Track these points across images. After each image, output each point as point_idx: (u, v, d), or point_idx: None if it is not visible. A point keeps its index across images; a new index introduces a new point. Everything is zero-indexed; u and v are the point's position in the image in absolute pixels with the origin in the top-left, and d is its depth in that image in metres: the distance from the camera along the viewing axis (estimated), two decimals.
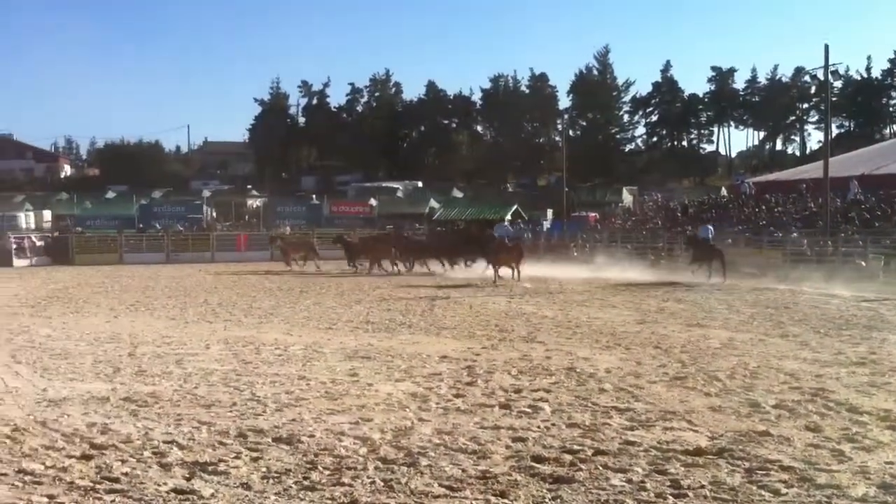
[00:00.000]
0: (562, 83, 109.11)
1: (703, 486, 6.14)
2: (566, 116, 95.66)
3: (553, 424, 8.00)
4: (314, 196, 74.74)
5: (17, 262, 43.83)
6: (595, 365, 11.37)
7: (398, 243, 36.47)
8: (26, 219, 61.20)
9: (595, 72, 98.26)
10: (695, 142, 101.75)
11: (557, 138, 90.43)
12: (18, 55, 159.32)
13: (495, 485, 6.18)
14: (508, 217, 59.98)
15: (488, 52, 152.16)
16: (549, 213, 63.43)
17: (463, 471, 6.49)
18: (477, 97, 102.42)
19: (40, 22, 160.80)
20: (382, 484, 6.19)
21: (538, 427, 7.88)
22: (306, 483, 6.22)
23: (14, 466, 6.66)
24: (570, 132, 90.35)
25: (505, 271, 28.16)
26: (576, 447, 7.14)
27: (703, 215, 45.21)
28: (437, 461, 6.74)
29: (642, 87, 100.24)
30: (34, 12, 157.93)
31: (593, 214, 59.91)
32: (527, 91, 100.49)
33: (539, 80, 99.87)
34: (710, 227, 31.29)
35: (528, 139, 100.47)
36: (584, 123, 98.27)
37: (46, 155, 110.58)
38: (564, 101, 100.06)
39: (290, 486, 6.15)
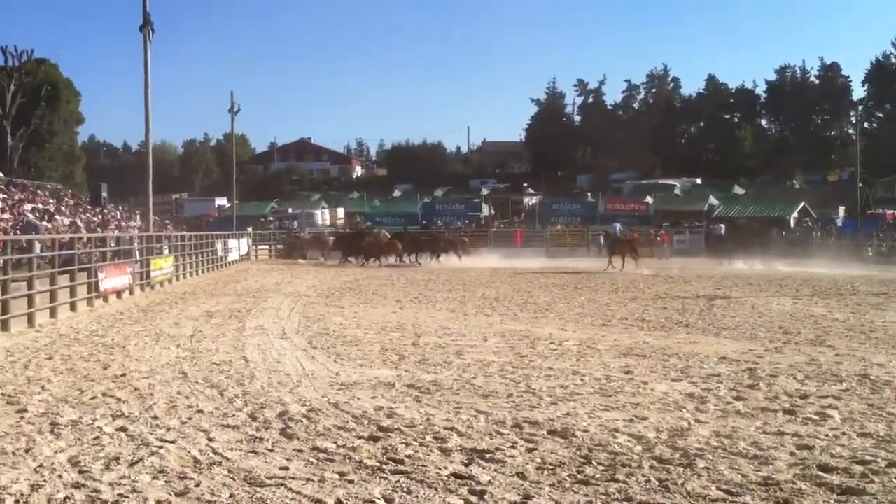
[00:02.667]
0: (855, 73, 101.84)
1: None
2: (860, 108, 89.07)
3: (843, 433, 7.49)
4: (589, 194, 74.67)
5: (310, 254, 47.70)
6: (892, 372, 10.52)
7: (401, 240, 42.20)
8: (322, 216, 65.89)
9: (894, 59, 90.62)
10: None
11: (850, 131, 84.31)
12: (315, 66, 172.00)
13: (778, 492, 5.89)
14: (795, 214, 57.03)
15: (773, 42, 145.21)
16: (841, 210, 59.39)
17: (743, 476, 6.24)
18: (761, 90, 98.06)
19: (336, 35, 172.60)
20: (657, 483, 6.08)
21: (826, 435, 7.43)
22: (580, 477, 6.24)
23: (309, 444, 7.19)
24: (865, 124, 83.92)
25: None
26: (868, 458, 6.65)
27: None
28: (716, 464, 6.53)
29: None
30: (331, 28, 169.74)
31: (892, 212, 55.48)
32: (816, 82, 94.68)
33: (830, 70, 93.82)
34: (723, 226, 43.66)
35: (817, 133, 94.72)
36: (881, 115, 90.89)
37: (340, 157, 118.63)
38: (858, 92, 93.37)
39: (565, 479, 6.19)
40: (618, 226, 39.00)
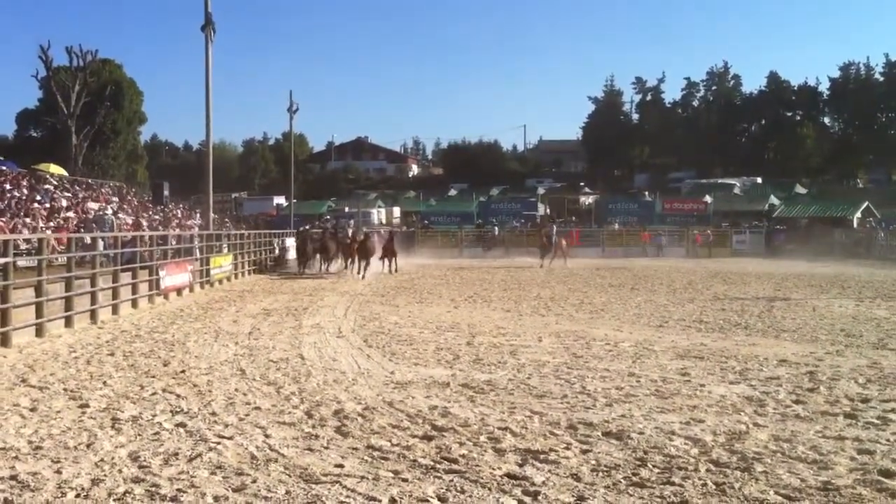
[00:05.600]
0: None
1: None
2: None
3: None
4: (646, 193, 74.00)
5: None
6: None
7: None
8: (378, 214, 66.23)
9: None
10: None
11: None
12: (372, 65, 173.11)
13: (837, 497, 5.79)
14: (858, 215, 55.90)
15: (837, 39, 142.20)
16: None
17: (801, 480, 6.15)
18: (824, 87, 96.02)
19: (392, 34, 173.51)
20: (714, 487, 6.02)
21: (887, 440, 7.28)
22: (635, 479, 6.20)
23: (364, 442, 7.25)
24: None
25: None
26: None
27: None
28: (774, 468, 6.44)
29: None
30: (388, 28, 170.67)
31: None
32: (881, 79, 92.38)
33: (895, 67, 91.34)
34: (555, 226, 44.12)
35: (882, 131, 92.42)
36: None
37: (397, 156, 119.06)
38: None
39: (620, 481, 6.16)
40: (554, 227, 44.06)
